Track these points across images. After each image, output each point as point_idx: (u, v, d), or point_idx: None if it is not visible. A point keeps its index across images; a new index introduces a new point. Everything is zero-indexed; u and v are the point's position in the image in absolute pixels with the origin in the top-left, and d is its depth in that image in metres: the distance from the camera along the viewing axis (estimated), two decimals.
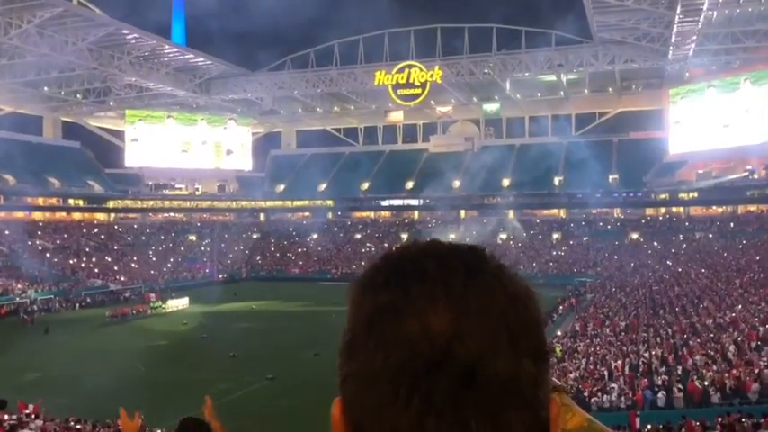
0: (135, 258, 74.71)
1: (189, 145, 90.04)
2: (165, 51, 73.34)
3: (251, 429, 19.22)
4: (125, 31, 65.34)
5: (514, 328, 0.71)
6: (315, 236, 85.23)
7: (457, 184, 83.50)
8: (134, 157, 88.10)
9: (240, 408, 25.14)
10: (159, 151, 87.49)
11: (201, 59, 77.02)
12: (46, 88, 77.39)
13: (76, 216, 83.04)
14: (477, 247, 0.78)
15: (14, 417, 18.83)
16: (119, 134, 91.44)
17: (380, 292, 0.72)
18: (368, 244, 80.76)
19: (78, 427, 19.57)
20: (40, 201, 78.70)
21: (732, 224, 70.79)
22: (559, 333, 35.10)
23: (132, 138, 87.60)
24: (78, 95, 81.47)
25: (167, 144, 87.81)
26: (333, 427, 0.74)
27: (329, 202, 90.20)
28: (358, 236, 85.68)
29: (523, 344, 0.70)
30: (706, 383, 21.82)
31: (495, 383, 0.67)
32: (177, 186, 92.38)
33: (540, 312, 0.77)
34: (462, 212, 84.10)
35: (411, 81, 79.86)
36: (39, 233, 74.14)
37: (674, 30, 58.47)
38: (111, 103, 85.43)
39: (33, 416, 19.70)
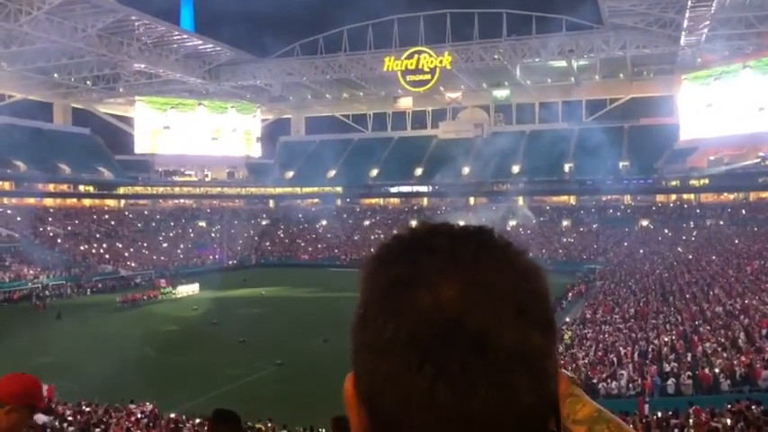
0: (145, 244, 75.12)
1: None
2: (175, 37, 73.28)
3: (260, 414, 19.34)
4: (134, 18, 65.31)
5: (522, 300, 0.73)
6: (324, 222, 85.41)
7: (466, 170, 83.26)
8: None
9: (249, 393, 25.32)
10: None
11: (211, 46, 76.92)
12: (56, 75, 77.60)
13: (87, 202, 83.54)
14: (485, 226, 0.80)
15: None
16: (128, 120, 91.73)
17: (392, 265, 0.74)
18: (377, 230, 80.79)
19: (89, 410, 19.78)
20: (51, 187, 79.09)
21: (744, 211, 70.31)
22: (568, 320, 35.09)
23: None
24: (88, 82, 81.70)
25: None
26: (346, 401, 0.77)
27: (338, 189, 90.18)
28: (367, 222, 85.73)
29: (531, 316, 0.72)
30: (716, 371, 21.77)
31: (503, 353, 0.69)
32: (187, 173, 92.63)
33: (548, 286, 0.78)
34: (472, 199, 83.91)
35: (420, 67, 79.48)
36: (49, 219, 74.67)
37: (687, 15, 57.79)
38: (121, 90, 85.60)
39: (47, 399, 19.90)
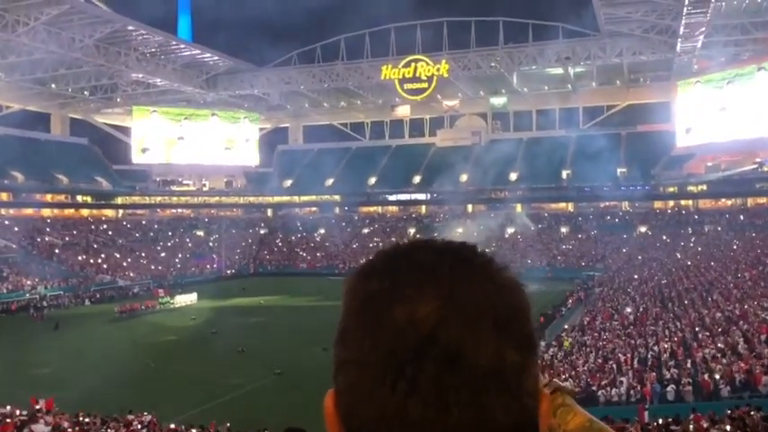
0: (143, 254, 75.01)
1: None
2: (172, 47, 73.44)
3: (259, 424, 19.27)
4: (131, 28, 65.49)
5: (500, 316, 0.72)
6: (322, 231, 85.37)
7: (464, 178, 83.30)
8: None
9: (249, 402, 25.25)
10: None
11: (208, 55, 77.08)
12: (53, 85, 77.67)
13: (85, 212, 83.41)
14: (467, 243, 0.79)
15: (25, 412, 18.95)
16: (126, 130, 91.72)
17: (371, 281, 0.74)
18: (375, 239, 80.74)
19: (87, 420, 19.68)
20: (49, 197, 79.04)
21: (742, 217, 70.40)
22: (567, 327, 35.05)
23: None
24: (85, 92, 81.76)
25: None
26: (326, 418, 0.76)
27: (337, 197, 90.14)
28: (365, 231, 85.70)
29: (508, 332, 0.71)
30: (716, 377, 21.73)
31: (478, 370, 0.68)
32: (185, 182, 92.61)
33: (528, 303, 0.77)
34: (470, 207, 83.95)
35: (417, 75, 79.68)
36: (47, 230, 74.54)
37: (683, 21, 57.99)
38: (119, 100, 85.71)
39: (45, 411, 19.82)
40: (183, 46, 74.75)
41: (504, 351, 0.70)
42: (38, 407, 19.70)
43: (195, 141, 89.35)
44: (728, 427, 13.36)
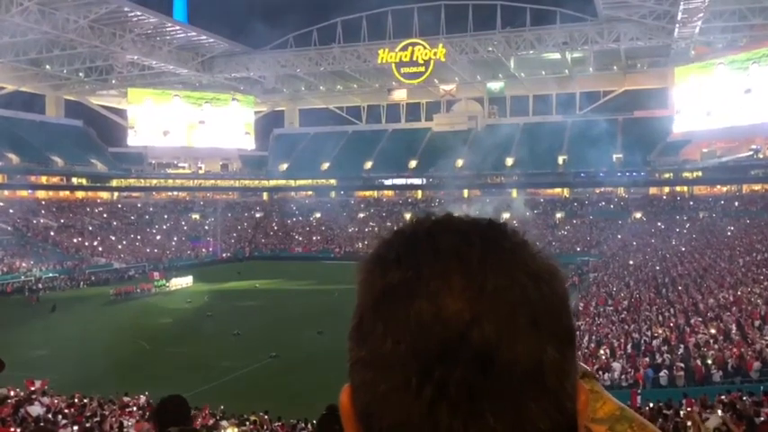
0: (139, 237, 74.96)
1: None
2: (168, 29, 72.88)
3: (255, 406, 19.38)
4: (126, 9, 64.94)
5: (536, 310, 0.64)
6: (318, 215, 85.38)
7: (460, 163, 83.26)
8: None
9: (244, 385, 25.38)
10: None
11: (204, 37, 76.55)
12: (48, 66, 77.11)
13: (80, 195, 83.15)
14: (496, 221, 0.71)
15: (22, 393, 19.02)
16: (121, 112, 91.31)
17: (390, 270, 0.67)
18: (371, 223, 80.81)
19: (84, 402, 19.76)
20: (44, 179, 78.82)
21: (736, 203, 70.56)
22: None
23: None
24: (80, 74, 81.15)
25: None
26: (342, 415, 0.70)
27: (332, 182, 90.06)
28: (361, 215, 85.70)
29: (546, 327, 0.64)
30: (708, 362, 21.91)
31: (514, 372, 0.61)
32: (180, 165, 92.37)
33: (566, 292, 0.70)
34: (466, 192, 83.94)
35: (414, 59, 79.33)
36: (42, 212, 74.33)
37: (681, 7, 57.81)
38: (114, 82, 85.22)
39: (41, 392, 19.88)
40: (178, 28, 74.19)
41: (543, 349, 0.63)
42: (33, 388, 19.76)
43: (190, 124, 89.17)
44: (720, 412, 13.50)
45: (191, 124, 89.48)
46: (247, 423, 17.45)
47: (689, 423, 12.87)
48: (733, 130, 68.01)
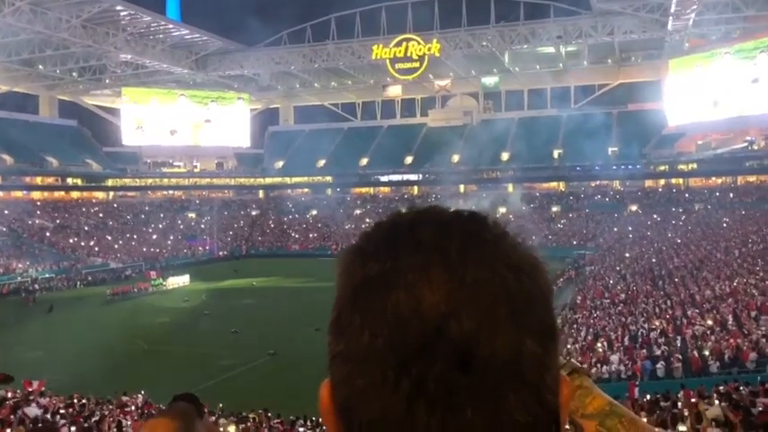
0: (135, 236, 74.82)
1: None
2: (161, 27, 72.65)
3: (253, 404, 19.38)
4: (119, 7, 64.71)
5: (516, 302, 0.63)
6: (314, 212, 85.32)
7: (456, 158, 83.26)
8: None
9: (243, 383, 25.38)
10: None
11: (198, 35, 76.36)
12: (41, 66, 76.83)
13: (75, 195, 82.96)
14: (478, 213, 0.70)
15: (19, 394, 18.99)
16: (115, 112, 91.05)
17: (369, 262, 0.65)
18: (367, 219, 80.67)
19: (82, 402, 19.74)
20: (38, 180, 78.59)
21: (731, 195, 70.74)
22: (558, 305, 35.31)
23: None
24: (74, 73, 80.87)
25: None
26: (321, 409, 0.69)
27: (328, 179, 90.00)
28: (358, 212, 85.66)
29: (526, 320, 0.63)
30: (705, 353, 21.99)
31: (493, 366, 0.60)
32: (175, 164, 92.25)
33: (548, 285, 0.68)
34: (462, 187, 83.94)
35: (409, 55, 79.26)
36: (38, 212, 74.15)
37: None
38: (108, 81, 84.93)
39: (39, 393, 19.85)
40: (171, 26, 73.97)
41: (523, 343, 0.62)
42: (31, 389, 19.73)
43: (185, 122, 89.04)
44: (717, 402, 13.55)
45: (196, 123, 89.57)
46: (248, 422, 17.45)
47: (686, 413, 12.93)
48: (727, 121, 68.25)
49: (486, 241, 0.66)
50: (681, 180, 77.22)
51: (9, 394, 18.65)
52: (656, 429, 1.11)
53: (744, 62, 68.00)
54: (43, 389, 20.99)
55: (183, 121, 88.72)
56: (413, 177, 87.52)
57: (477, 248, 0.64)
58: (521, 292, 0.64)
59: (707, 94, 70.30)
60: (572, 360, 1.23)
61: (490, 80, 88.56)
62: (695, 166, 73.82)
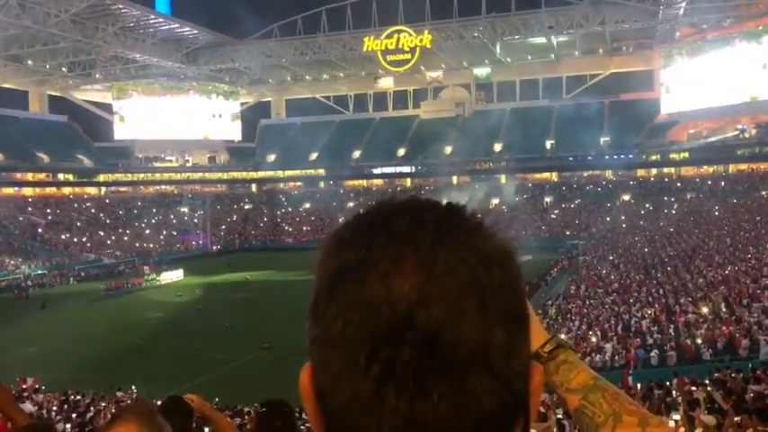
0: (128, 232, 74.56)
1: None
2: (151, 21, 72.25)
3: (248, 398, 19.38)
4: (108, 1, 64.24)
5: (485, 291, 0.64)
6: (307, 205, 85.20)
7: (449, 149, 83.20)
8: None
9: (237, 377, 25.38)
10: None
11: (188, 29, 75.95)
12: (30, 62, 76.30)
13: (67, 191, 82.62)
14: (455, 204, 0.71)
15: (14, 391, 18.92)
16: (106, 107, 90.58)
17: (344, 251, 0.67)
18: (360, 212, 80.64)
19: (77, 399, 19.72)
20: (30, 176, 78.14)
21: (723, 183, 70.98)
22: (552, 295, 35.44)
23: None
24: (63, 68, 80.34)
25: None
26: (302, 394, 0.70)
27: (321, 171, 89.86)
28: (351, 204, 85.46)
29: (495, 309, 0.64)
30: (698, 341, 22.10)
31: (460, 352, 0.62)
32: (167, 159, 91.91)
33: (518, 273, 0.69)
34: (455, 178, 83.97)
35: (400, 46, 79.10)
36: (29, 209, 73.80)
37: None
38: (98, 76, 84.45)
39: (32, 390, 19.82)
40: (161, 20, 73.56)
41: (490, 331, 0.63)
42: (25, 386, 19.69)
43: (176, 116, 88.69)
44: (709, 389, 13.64)
45: (188, 117, 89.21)
46: (246, 417, 17.45)
47: (679, 400, 13.00)
48: (719, 110, 68.52)
49: (459, 232, 0.67)
50: (673, 169, 77.40)
51: None
52: (637, 404, 1.13)
53: (722, 53, 67.97)
54: (37, 386, 20.97)
55: (174, 116, 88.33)
56: (406, 169, 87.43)
57: (449, 239, 0.66)
58: (490, 281, 0.64)
59: (696, 83, 70.37)
60: (558, 336, 1.22)
61: (482, 71, 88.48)
62: (687, 155, 73.98)
